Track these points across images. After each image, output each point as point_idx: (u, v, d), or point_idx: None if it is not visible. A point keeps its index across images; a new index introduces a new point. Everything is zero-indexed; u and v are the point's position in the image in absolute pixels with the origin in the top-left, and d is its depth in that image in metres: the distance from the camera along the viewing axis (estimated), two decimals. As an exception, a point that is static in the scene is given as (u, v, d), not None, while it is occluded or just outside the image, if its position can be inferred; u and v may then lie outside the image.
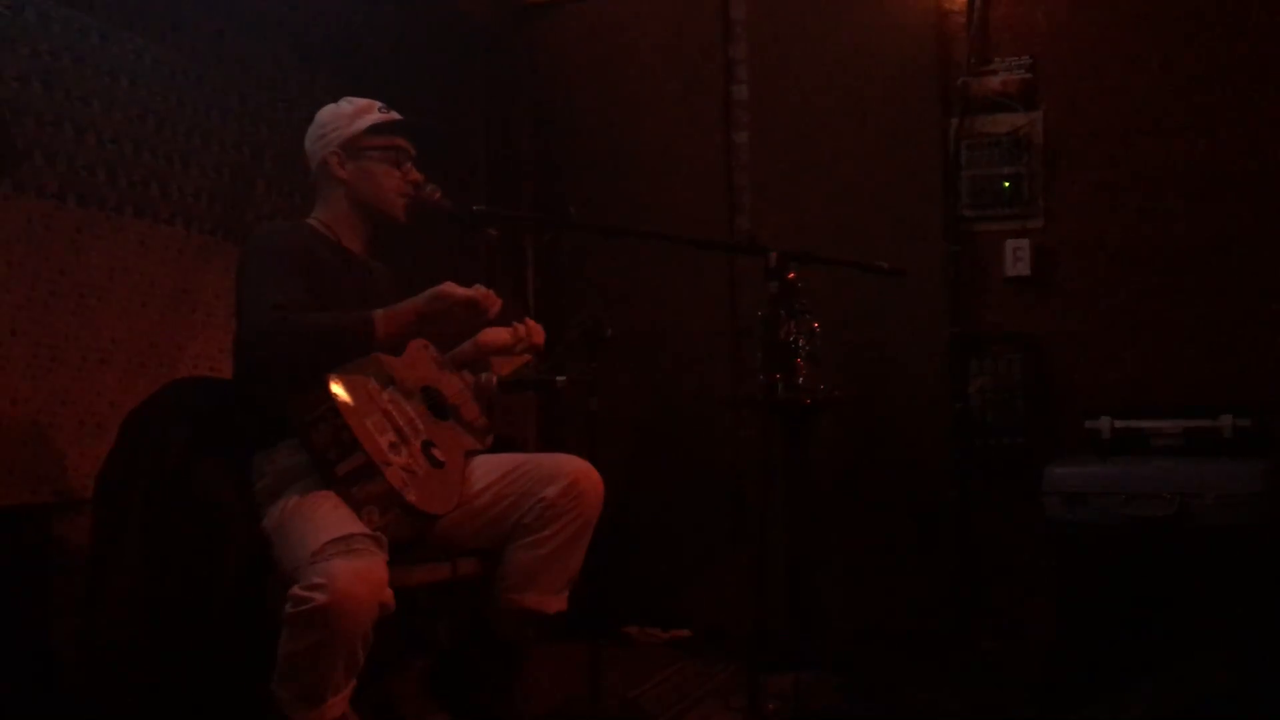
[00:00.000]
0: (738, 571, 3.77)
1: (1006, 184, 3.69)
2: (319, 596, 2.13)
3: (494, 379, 2.77)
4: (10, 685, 2.64)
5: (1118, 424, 3.31)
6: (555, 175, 4.29)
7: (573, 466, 2.66)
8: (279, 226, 2.80)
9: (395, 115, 2.72)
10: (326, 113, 2.73)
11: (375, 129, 2.68)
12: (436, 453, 2.50)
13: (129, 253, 3.14)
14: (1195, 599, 2.97)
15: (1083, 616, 3.11)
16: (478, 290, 2.55)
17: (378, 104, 2.73)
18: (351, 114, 2.71)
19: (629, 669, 3.49)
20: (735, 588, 3.74)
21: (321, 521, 2.28)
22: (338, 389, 2.36)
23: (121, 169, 3.13)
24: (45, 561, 2.78)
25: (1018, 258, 3.69)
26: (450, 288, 2.52)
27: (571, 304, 4.19)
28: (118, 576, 2.43)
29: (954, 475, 3.71)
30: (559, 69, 4.29)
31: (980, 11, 3.75)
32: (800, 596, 3.41)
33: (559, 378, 2.79)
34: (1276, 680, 2.79)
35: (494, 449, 2.76)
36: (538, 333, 2.87)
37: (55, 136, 2.93)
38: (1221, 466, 3.05)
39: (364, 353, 2.48)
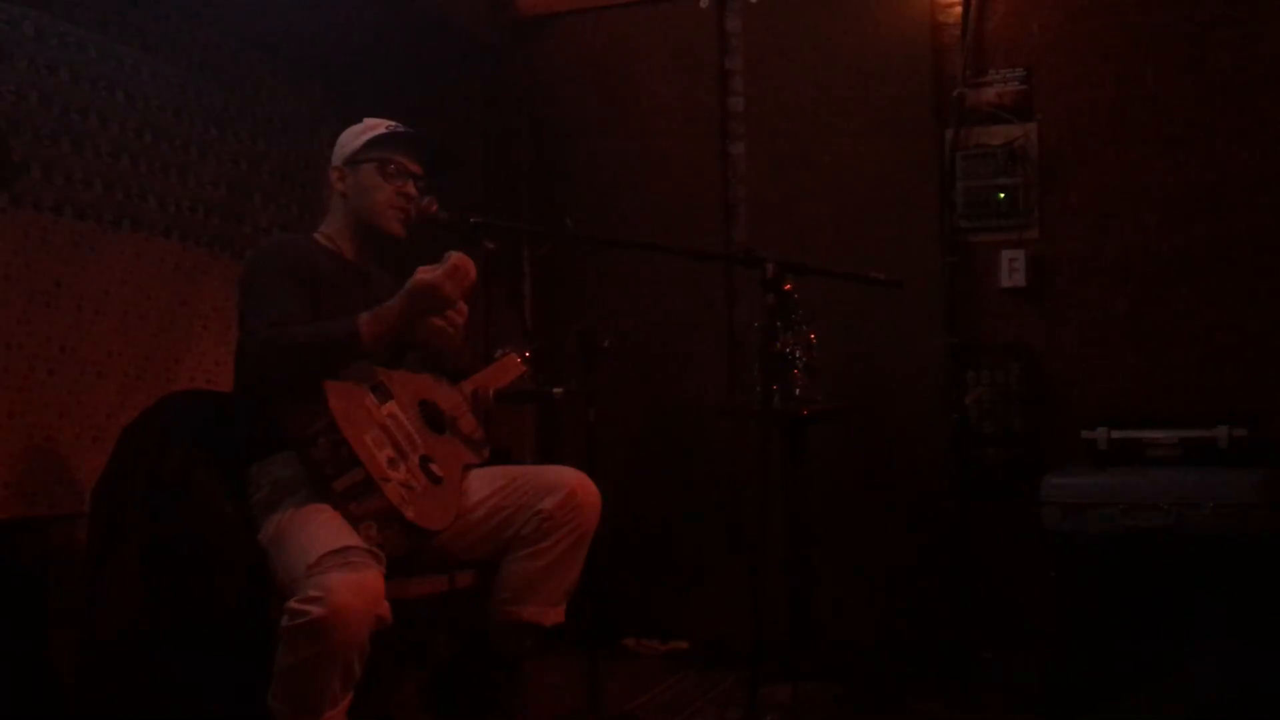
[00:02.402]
0: (736, 582, 3.77)
1: (1002, 195, 3.70)
2: (315, 610, 2.13)
3: (490, 391, 2.77)
4: (7, 697, 2.63)
5: (1115, 434, 3.31)
6: (552, 187, 4.29)
7: (570, 478, 2.66)
8: (283, 239, 2.82)
9: (400, 130, 2.71)
10: (344, 133, 2.76)
11: (372, 143, 2.69)
12: (434, 468, 2.50)
13: (126, 266, 3.14)
14: (1193, 608, 2.96)
15: (1081, 626, 3.10)
16: (449, 260, 2.52)
17: (390, 122, 2.72)
18: (359, 131, 2.72)
19: (627, 681, 3.49)
20: (733, 599, 3.73)
21: (318, 534, 2.28)
22: (335, 404, 2.36)
23: (118, 182, 3.13)
24: (42, 574, 2.78)
25: (1013, 268, 3.69)
26: (422, 275, 2.49)
27: (568, 315, 4.18)
28: (114, 589, 2.43)
29: (952, 486, 3.71)
30: (556, 82, 4.31)
31: (975, 24, 3.76)
32: (798, 607, 3.41)
33: (556, 389, 2.79)
34: (1274, 690, 2.79)
35: (491, 461, 2.76)
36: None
37: (53, 150, 2.94)
38: (1218, 476, 3.05)
39: (354, 358, 2.48)
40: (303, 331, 2.46)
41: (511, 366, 2.88)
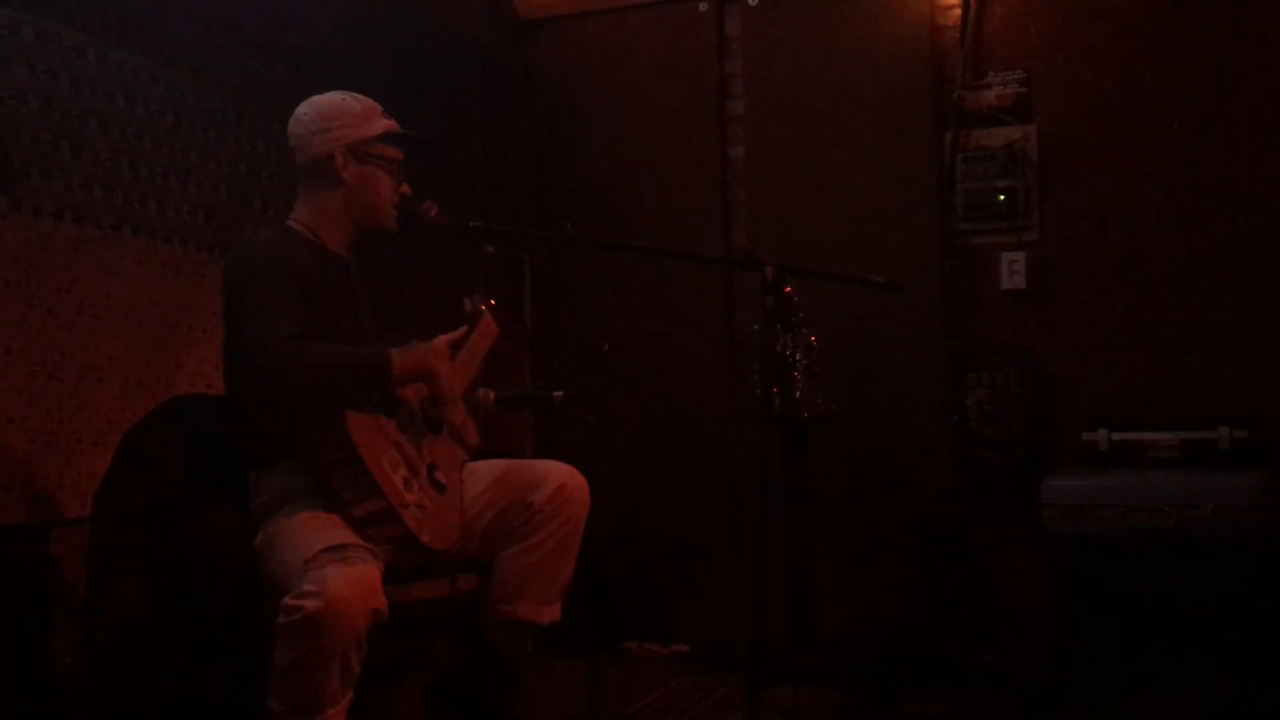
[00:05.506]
0: (736, 586, 3.77)
1: (1002, 197, 3.70)
2: (311, 604, 2.13)
3: (491, 395, 2.77)
4: (9, 703, 2.63)
5: (1115, 436, 3.31)
6: (552, 191, 4.30)
7: (558, 471, 2.68)
8: (263, 240, 2.71)
9: (395, 125, 2.68)
10: (330, 105, 2.62)
11: (386, 137, 2.64)
12: (439, 475, 2.51)
13: (126, 270, 3.14)
14: (1194, 610, 2.96)
15: (1082, 628, 3.10)
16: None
17: (379, 107, 2.68)
18: (361, 114, 2.62)
19: (628, 685, 3.49)
20: (734, 602, 3.73)
21: (314, 532, 2.28)
22: (357, 431, 2.35)
23: (118, 187, 3.13)
24: (43, 580, 2.78)
25: (1013, 270, 3.69)
26: (434, 363, 2.55)
27: (568, 320, 4.19)
28: (115, 594, 2.43)
29: (952, 488, 3.71)
30: (556, 85, 4.31)
31: (974, 25, 3.76)
32: (799, 611, 3.41)
33: (556, 393, 2.79)
34: (1275, 691, 2.79)
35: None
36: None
37: (52, 155, 2.94)
38: (1219, 478, 3.05)
39: (380, 390, 2.46)
40: (332, 352, 2.41)
41: (488, 330, 2.81)
